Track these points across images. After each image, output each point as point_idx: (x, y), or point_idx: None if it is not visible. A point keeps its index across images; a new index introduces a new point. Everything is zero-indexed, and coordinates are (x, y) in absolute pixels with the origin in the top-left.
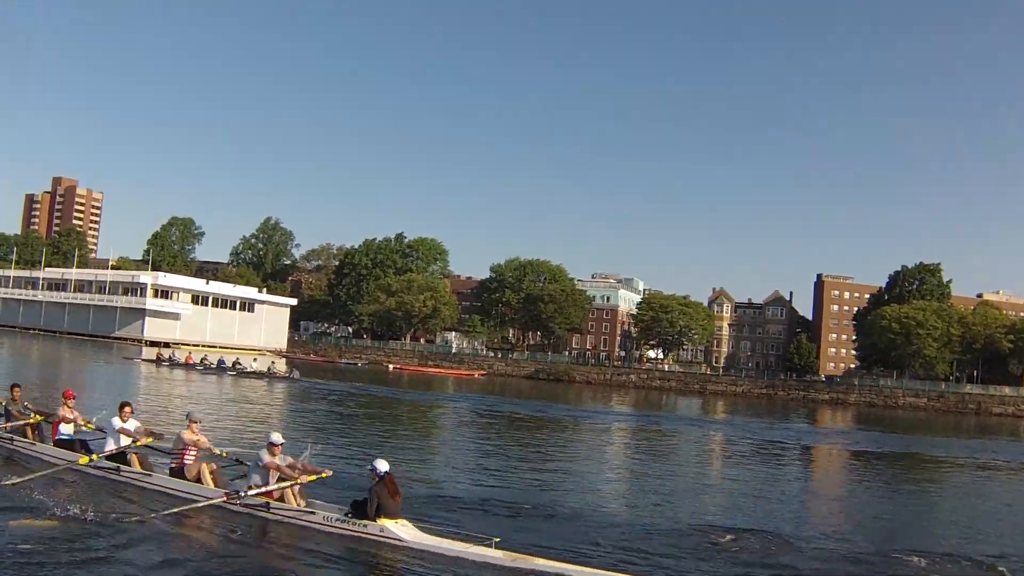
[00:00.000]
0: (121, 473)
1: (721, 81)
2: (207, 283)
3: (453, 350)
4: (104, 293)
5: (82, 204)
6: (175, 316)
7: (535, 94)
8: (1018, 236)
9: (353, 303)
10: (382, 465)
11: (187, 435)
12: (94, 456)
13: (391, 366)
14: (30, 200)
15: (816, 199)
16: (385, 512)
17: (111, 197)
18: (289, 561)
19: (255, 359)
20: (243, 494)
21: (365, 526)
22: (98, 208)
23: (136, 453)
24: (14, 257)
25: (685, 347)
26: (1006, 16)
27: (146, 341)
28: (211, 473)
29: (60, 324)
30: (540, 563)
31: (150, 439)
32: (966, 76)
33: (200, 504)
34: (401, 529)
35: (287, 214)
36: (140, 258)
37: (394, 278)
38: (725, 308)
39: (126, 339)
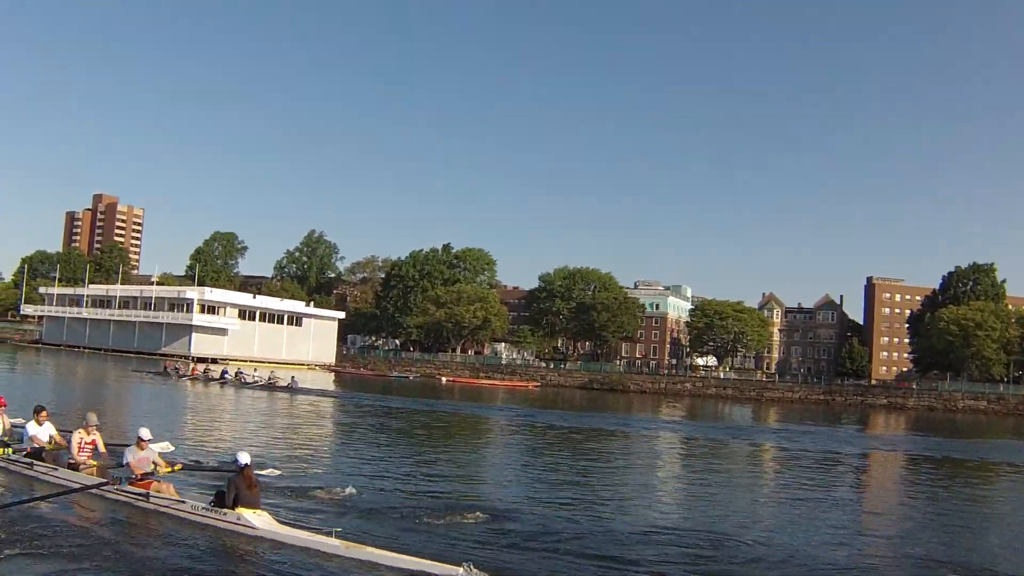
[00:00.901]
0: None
1: (767, 84)
2: (254, 297)
3: (503, 361)
4: (150, 309)
5: (123, 221)
6: (222, 331)
7: (577, 104)
8: None
9: (401, 315)
10: (243, 457)
11: (79, 435)
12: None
13: (444, 379)
14: (71, 218)
15: (864, 201)
16: (243, 502)
17: (151, 213)
18: (146, 548)
19: (255, 369)
20: (109, 485)
21: (224, 515)
22: (139, 224)
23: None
24: (57, 275)
25: (739, 354)
26: None
27: (193, 357)
28: (98, 470)
29: (105, 341)
30: (370, 551)
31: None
32: (1020, 71)
33: (73, 491)
34: (255, 518)
35: (330, 227)
36: (183, 274)
37: (443, 289)
38: (775, 313)
39: (173, 355)
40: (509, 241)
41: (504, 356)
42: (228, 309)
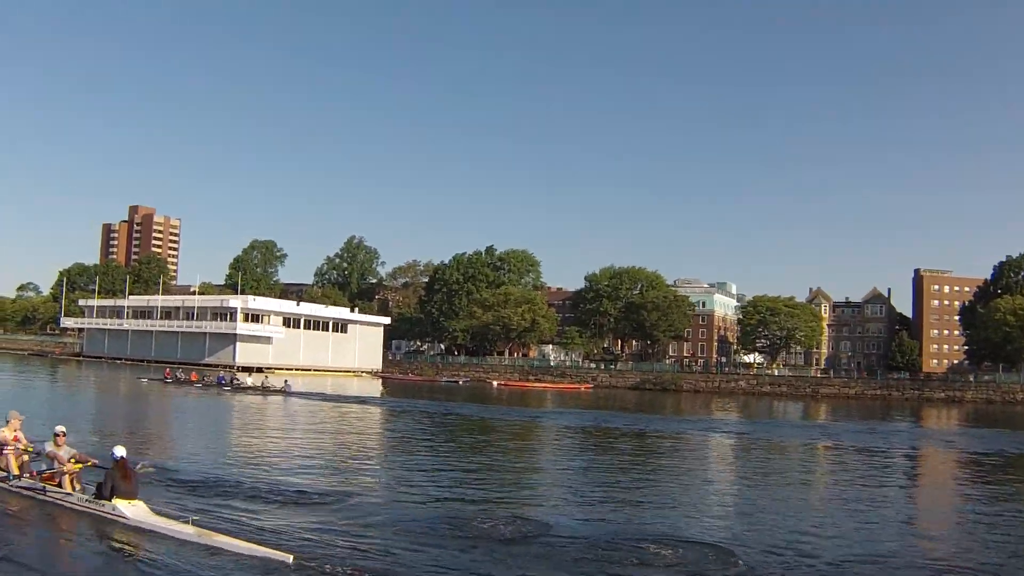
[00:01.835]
0: None
1: (811, 78)
2: (298, 304)
3: (552, 363)
4: (192, 319)
5: (160, 231)
6: (267, 340)
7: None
8: None
9: (446, 319)
10: (118, 451)
11: (4, 433)
12: None
13: (495, 383)
14: (107, 230)
15: (909, 192)
16: (118, 493)
17: (188, 223)
18: (25, 536)
19: (250, 375)
20: (12, 477)
21: (103, 505)
22: (176, 235)
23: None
24: (96, 287)
25: (790, 350)
26: None
27: (238, 367)
28: (18, 465)
29: (148, 353)
30: (217, 538)
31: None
32: None
33: None
34: (128, 508)
35: (369, 232)
36: (222, 283)
37: (488, 292)
38: (823, 308)
39: (217, 365)
40: (546, 242)
41: (552, 358)
42: (272, 317)
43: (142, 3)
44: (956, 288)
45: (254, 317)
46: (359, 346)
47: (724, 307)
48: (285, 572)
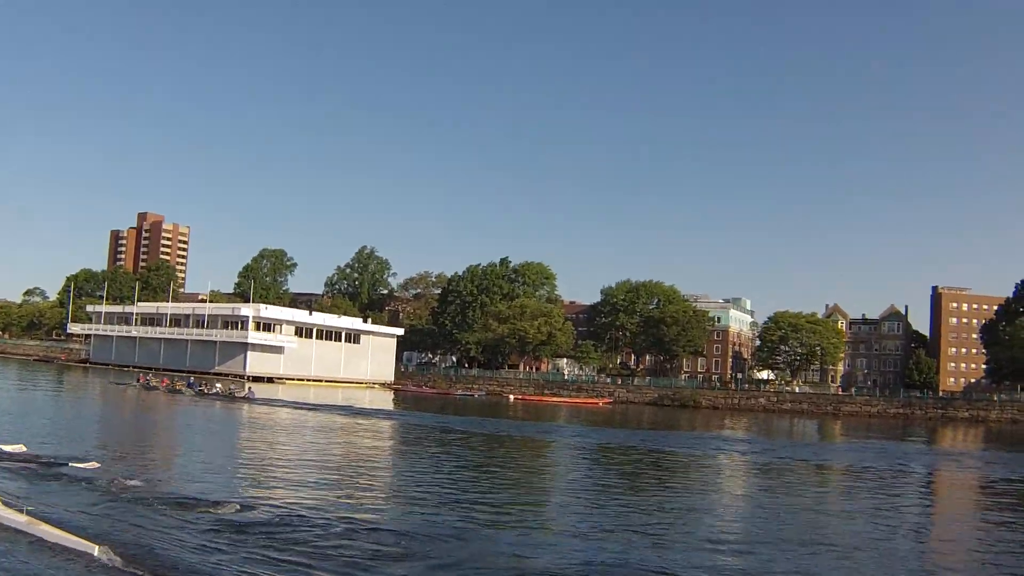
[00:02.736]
0: None
1: (830, 92)
2: (310, 314)
3: (566, 376)
4: (202, 327)
5: (168, 239)
6: (278, 349)
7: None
8: None
9: (459, 331)
10: None
11: None
12: None
13: (511, 397)
14: (115, 236)
15: (926, 209)
16: None
17: (197, 231)
18: None
19: (218, 383)
20: None
21: None
22: (185, 242)
23: None
24: (104, 294)
25: (809, 368)
26: None
27: (249, 377)
28: None
29: (156, 360)
30: (41, 527)
31: None
32: None
33: None
34: None
35: (380, 242)
36: (231, 291)
37: (503, 304)
38: (840, 324)
39: (227, 375)
40: (558, 256)
41: (566, 372)
42: (284, 326)
43: (155, 7)
44: (975, 306)
45: (266, 326)
46: (372, 357)
47: (739, 323)
48: (92, 561)
